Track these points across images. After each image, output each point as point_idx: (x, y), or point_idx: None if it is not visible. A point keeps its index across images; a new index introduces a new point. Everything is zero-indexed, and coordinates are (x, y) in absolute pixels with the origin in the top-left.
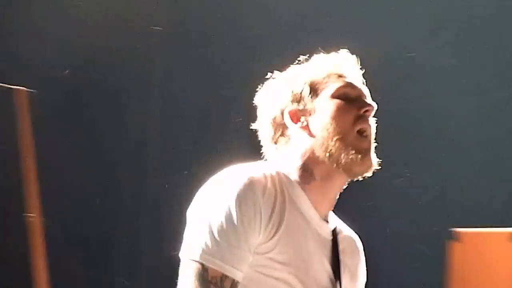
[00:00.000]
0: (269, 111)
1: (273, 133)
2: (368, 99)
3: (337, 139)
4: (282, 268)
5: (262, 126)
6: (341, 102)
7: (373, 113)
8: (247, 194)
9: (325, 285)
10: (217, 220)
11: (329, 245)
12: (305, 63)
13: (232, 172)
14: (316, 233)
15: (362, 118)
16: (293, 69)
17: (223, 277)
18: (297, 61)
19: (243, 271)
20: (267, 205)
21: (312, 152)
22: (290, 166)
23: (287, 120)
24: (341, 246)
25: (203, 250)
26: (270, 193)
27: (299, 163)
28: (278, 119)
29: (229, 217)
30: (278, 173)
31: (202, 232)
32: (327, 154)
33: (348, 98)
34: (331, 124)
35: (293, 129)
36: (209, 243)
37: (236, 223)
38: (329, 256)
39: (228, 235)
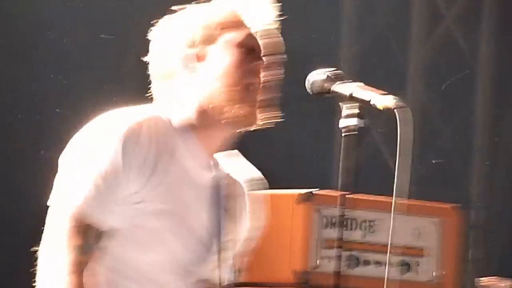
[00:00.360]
0: (164, 49)
1: (163, 72)
2: (268, 50)
3: (221, 92)
4: (154, 219)
5: (155, 62)
6: (232, 54)
7: (271, 66)
8: (117, 143)
9: (200, 235)
10: (85, 169)
11: (209, 193)
12: (210, 2)
13: (107, 119)
14: (194, 182)
15: (251, 72)
16: (196, 7)
17: (88, 226)
18: None
19: (109, 221)
20: (138, 154)
21: (198, 100)
22: (175, 112)
23: (179, 63)
24: (225, 192)
25: (69, 199)
26: (143, 142)
27: (183, 110)
28: (172, 59)
29: (96, 167)
30: (158, 120)
31: (69, 182)
32: (211, 106)
33: (241, 50)
34: (218, 76)
35: (183, 74)
36: (75, 193)
37: (102, 173)
38: (210, 204)
39: (94, 184)
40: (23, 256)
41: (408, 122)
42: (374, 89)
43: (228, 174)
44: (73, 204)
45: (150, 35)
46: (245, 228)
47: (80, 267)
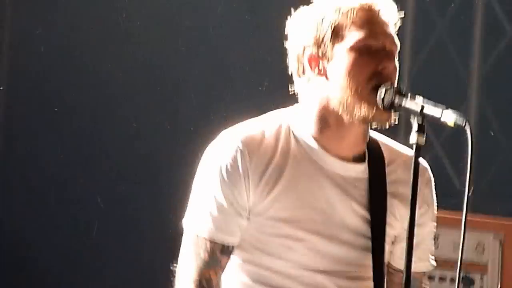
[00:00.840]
0: (294, 47)
1: (296, 68)
2: (391, 48)
3: (350, 93)
4: (288, 225)
5: (289, 59)
6: (359, 55)
7: (393, 64)
8: (232, 159)
9: (355, 227)
10: (205, 188)
11: (363, 184)
12: (334, 1)
13: (225, 135)
14: (338, 178)
15: (379, 75)
16: (321, 5)
17: (212, 243)
18: None
19: (234, 235)
20: (257, 166)
21: (327, 101)
22: (305, 114)
23: (306, 63)
24: (391, 177)
25: (193, 218)
26: (263, 153)
27: (314, 110)
28: (300, 57)
29: (215, 188)
30: (285, 127)
31: (192, 201)
32: (341, 106)
33: (368, 51)
34: (346, 77)
35: (311, 74)
36: (198, 211)
37: (221, 193)
38: (364, 195)
39: (214, 202)
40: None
41: (473, 138)
42: (438, 104)
43: (394, 159)
44: (199, 226)
45: (287, 28)
46: (427, 212)
47: (202, 283)
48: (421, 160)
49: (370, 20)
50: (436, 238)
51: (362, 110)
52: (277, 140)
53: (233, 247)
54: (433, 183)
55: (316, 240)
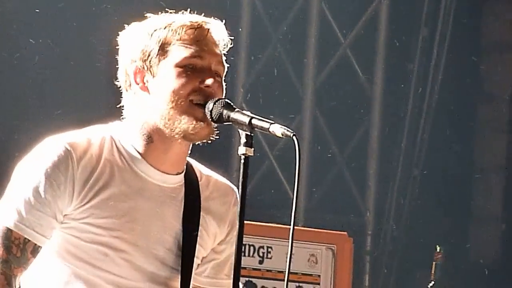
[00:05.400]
0: (123, 59)
1: (124, 81)
2: (217, 68)
3: (170, 108)
4: (104, 233)
5: (118, 72)
6: (182, 72)
7: (217, 83)
8: (59, 161)
9: (169, 244)
10: (26, 186)
11: (180, 194)
12: (166, 18)
13: (54, 140)
14: (158, 190)
15: (200, 91)
16: (153, 21)
17: (26, 240)
18: (162, 12)
19: (47, 236)
20: (83, 172)
21: (150, 116)
22: (130, 128)
23: (131, 77)
24: (205, 193)
25: (9, 214)
26: (89, 161)
27: (138, 125)
28: (128, 71)
29: (36, 184)
30: (108, 139)
31: (11, 197)
32: (162, 120)
33: (192, 69)
34: (168, 91)
35: (136, 87)
36: (15, 208)
37: (42, 190)
38: (180, 206)
39: (33, 201)
40: None
41: (302, 149)
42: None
43: (209, 178)
44: (3, 219)
45: (118, 42)
46: (233, 229)
47: (6, 280)
48: (228, 182)
49: (198, 39)
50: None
51: (182, 123)
52: (101, 150)
53: (41, 249)
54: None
55: (133, 252)
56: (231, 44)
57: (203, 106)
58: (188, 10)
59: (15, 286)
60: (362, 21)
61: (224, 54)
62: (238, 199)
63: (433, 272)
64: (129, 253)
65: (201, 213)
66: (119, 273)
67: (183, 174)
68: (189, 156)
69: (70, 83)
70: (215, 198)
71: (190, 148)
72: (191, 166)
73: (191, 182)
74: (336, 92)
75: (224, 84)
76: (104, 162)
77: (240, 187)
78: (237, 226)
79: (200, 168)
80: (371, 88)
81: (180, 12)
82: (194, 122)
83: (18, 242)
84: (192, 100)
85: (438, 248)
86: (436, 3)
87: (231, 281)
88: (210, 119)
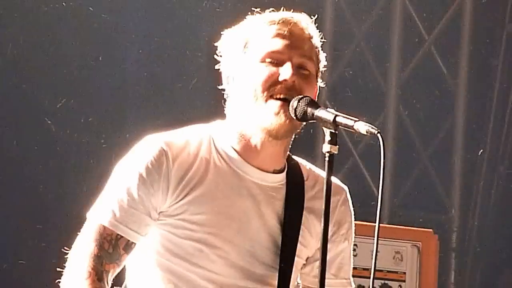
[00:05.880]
0: (221, 64)
1: (224, 84)
2: (299, 61)
3: (253, 104)
4: (199, 229)
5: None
6: (261, 68)
7: (297, 76)
8: (154, 160)
9: (267, 243)
10: (120, 185)
11: (281, 194)
12: (252, 17)
13: (151, 139)
14: (256, 188)
15: (279, 85)
16: (242, 22)
17: (118, 236)
18: (252, 12)
19: (140, 233)
20: (179, 170)
21: (238, 114)
22: (228, 127)
23: (224, 78)
24: (309, 193)
25: (103, 213)
26: (185, 159)
27: (233, 124)
28: (222, 73)
29: (129, 182)
30: (207, 138)
31: (106, 196)
32: (245, 117)
33: (271, 63)
34: (249, 89)
35: (228, 88)
36: (109, 206)
37: (135, 188)
38: (281, 206)
39: (126, 199)
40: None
41: (386, 146)
42: (348, 115)
43: (314, 176)
44: (98, 217)
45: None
46: (341, 233)
47: (96, 276)
48: (338, 181)
49: (278, 33)
50: (355, 248)
51: (263, 120)
52: (199, 148)
53: (135, 245)
54: (350, 204)
55: (228, 249)
56: (321, 38)
57: (284, 100)
58: (271, 8)
59: (107, 282)
60: (446, 18)
61: (317, 48)
62: (349, 198)
63: None
64: (225, 250)
65: (304, 212)
66: (214, 269)
67: (284, 173)
68: None
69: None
70: (321, 198)
71: (288, 146)
72: (297, 164)
73: (295, 181)
74: (420, 88)
75: (317, 77)
76: (200, 160)
77: (324, 185)
78: (349, 224)
79: (307, 167)
80: (455, 84)
81: (267, 11)
82: (272, 117)
83: (110, 238)
84: (272, 95)
85: None
86: None
87: (340, 280)
88: (295, 117)
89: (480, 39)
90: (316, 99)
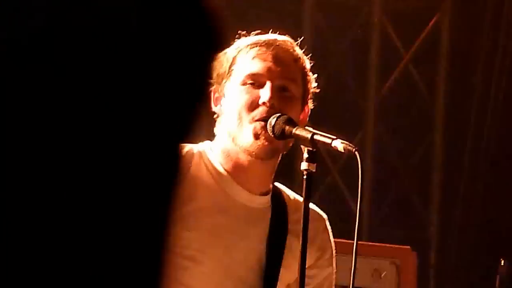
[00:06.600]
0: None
1: (211, 103)
2: (279, 83)
3: (235, 126)
4: (188, 245)
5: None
6: (242, 91)
7: (277, 97)
8: None
9: (251, 265)
10: None
11: (266, 216)
12: (239, 41)
13: None
14: (243, 209)
15: (260, 107)
16: (231, 46)
17: None
18: (238, 36)
19: None
20: None
21: (225, 136)
22: (217, 146)
23: (211, 99)
24: (292, 216)
25: None
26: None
27: (220, 145)
28: (210, 94)
29: None
30: (197, 155)
31: None
32: (231, 139)
33: (253, 86)
34: (232, 112)
35: (215, 109)
36: None
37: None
38: (266, 228)
39: None
40: None
41: (364, 164)
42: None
43: (297, 201)
44: None
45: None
46: (325, 259)
47: None
48: (318, 209)
49: (259, 56)
50: None
51: (244, 141)
52: (188, 164)
53: None
54: (330, 233)
55: (214, 268)
56: (309, 59)
57: (266, 121)
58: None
59: None
60: (423, 35)
61: (304, 70)
62: (329, 227)
63: (497, 286)
64: (210, 268)
65: (288, 235)
66: (197, 287)
67: (269, 195)
68: None
69: None
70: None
71: (274, 168)
72: (278, 189)
73: (279, 205)
74: (398, 106)
75: (305, 100)
76: (189, 177)
77: (303, 202)
78: (331, 251)
79: (288, 192)
80: (434, 101)
81: (252, 34)
82: (253, 139)
83: None
84: (253, 117)
85: (502, 262)
86: (498, 15)
87: None
88: (273, 135)
89: (457, 56)
90: (306, 120)
